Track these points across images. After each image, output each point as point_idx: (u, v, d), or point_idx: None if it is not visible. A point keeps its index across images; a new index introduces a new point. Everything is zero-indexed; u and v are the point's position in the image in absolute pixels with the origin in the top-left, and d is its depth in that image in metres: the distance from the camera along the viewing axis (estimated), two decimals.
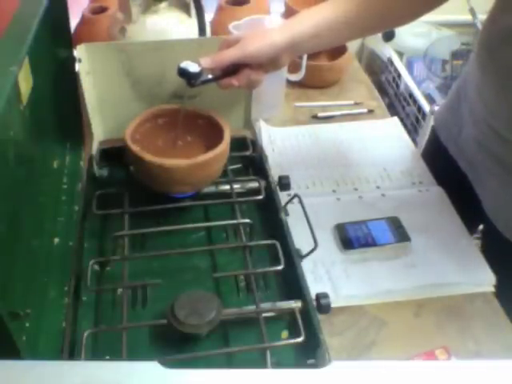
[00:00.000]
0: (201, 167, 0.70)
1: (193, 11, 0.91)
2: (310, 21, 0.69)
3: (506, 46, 0.67)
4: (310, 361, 0.59)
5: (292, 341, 0.60)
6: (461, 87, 0.86)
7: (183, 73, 0.67)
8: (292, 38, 0.68)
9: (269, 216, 0.77)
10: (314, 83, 1.15)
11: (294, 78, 1.08)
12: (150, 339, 0.62)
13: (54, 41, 0.72)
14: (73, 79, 0.78)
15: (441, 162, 0.93)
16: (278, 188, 0.78)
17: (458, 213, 0.84)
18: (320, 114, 1.09)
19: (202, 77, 0.67)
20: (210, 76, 0.69)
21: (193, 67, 0.66)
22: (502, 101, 0.71)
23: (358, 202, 0.86)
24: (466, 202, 0.85)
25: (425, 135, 1.41)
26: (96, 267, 0.68)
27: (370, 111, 1.11)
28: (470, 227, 0.84)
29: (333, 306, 0.61)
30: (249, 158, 0.85)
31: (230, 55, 0.67)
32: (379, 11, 0.71)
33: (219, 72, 0.69)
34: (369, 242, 0.77)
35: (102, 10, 1.11)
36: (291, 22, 0.71)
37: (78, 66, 0.75)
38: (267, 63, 0.70)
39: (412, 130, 1.54)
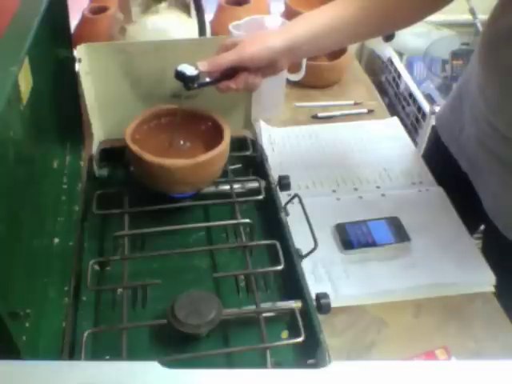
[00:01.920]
0: (201, 167, 0.70)
1: (193, 11, 0.91)
2: (308, 25, 0.69)
3: (509, 44, 0.67)
4: (310, 361, 0.59)
5: (292, 341, 0.60)
6: (462, 87, 0.86)
7: (180, 76, 0.66)
8: (290, 41, 0.68)
9: (269, 216, 0.77)
10: (314, 83, 1.15)
11: (294, 77, 1.08)
12: (150, 339, 0.62)
13: (54, 41, 0.72)
14: (73, 79, 0.78)
15: (441, 162, 0.93)
16: (277, 188, 0.78)
17: (457, 213, 0.84)
18: (320, 114, 1.09)
19: (199, 80, 0.67)
20: (207, 79, 0.68)
21: (190, 70, 0.66)
22: (504, 99, 0.71)
23: (358, 201, 0.86)
24: (466, 202, 0.85)
25: (425, 135, 1.41)
26: (96, 267, 0.68)
27: (370, 111, 1.11)
28: (470, 227, 0.84)
29: (333, 306, 0.61)
30: (249, 158, 0.84)
31: (228, 59, 0.67)
32: (379, 15, 0.70)
33: (217, 75, 0.69)
34: (369, 242, 0.77)
35: (102, 10, 1.11)
36: (290, 25, 0.71)
37: (78, 66, 0.75)
38: (265, 67, 0.69)
39: (412, 130, 1.54)
